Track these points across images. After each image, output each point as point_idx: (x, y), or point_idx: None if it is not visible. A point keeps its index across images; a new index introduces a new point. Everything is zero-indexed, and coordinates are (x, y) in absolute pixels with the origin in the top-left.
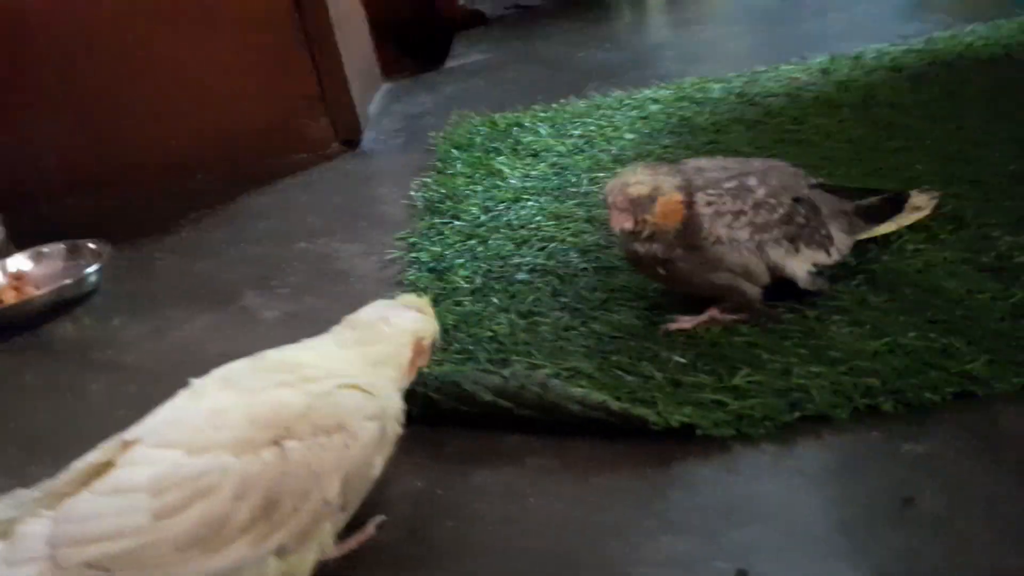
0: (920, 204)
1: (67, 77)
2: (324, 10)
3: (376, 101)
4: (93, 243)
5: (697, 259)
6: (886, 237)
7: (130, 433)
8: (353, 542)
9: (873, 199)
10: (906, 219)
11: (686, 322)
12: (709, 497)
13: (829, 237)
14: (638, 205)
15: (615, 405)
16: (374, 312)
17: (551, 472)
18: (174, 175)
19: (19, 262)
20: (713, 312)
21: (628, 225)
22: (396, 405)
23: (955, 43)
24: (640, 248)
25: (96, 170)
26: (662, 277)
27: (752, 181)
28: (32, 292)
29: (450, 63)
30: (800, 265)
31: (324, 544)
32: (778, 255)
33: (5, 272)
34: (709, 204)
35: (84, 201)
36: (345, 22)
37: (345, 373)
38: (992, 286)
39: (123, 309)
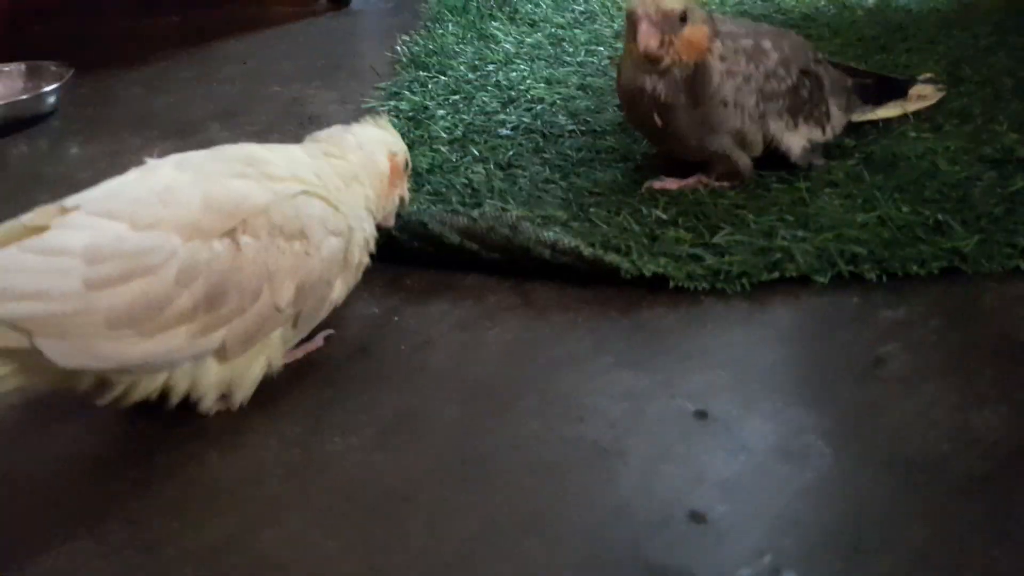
0: (925, 93)
1: None
2: None
3: None
4: (55, 65)
5: (698, 116)
6: (887, 123)
7: (70, 200)
8: (300, 352)
9: (872, 80)
10: (909, 106)
11: (671, 183)
12: (673, 342)
13: (827, 114)
14: (669, 22)
15: (587, 251)
16: (337, 128)
17: (511, 308)
18: (149, 14)
19: None
20: (700, 177)
21: (655, 43)
22: (365, 228)
23: None
24: (648, 83)
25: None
26: (656, 130)
27: (767, 44)
28: None
29: None
30: (796, 140)
31: (272, 356)
32: (777, 128)
33: None
34: (723, 59)
35: (50, 29)
36: None
37: (312, 182)
38: (991, 175)
39: (80, 133)
